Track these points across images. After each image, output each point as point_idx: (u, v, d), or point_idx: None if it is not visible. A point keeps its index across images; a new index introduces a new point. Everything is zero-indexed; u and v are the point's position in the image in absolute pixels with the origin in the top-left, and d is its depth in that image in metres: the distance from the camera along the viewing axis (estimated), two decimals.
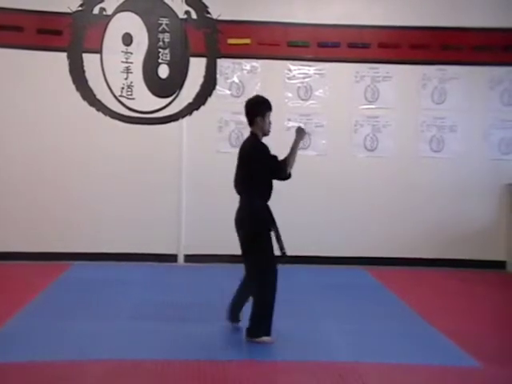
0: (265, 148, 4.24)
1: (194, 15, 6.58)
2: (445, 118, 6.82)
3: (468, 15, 6.67)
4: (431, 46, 6.69)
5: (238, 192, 4.31)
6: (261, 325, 4.12)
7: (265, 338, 4.12)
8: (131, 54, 6.56)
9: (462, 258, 6.77)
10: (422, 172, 6.83)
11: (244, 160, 4.25)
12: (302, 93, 6.75)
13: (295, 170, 7.04)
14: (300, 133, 4.34)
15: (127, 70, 6.57)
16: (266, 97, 6.58)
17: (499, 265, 6.81)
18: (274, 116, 6.64)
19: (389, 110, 6.80)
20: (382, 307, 5.22)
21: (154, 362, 3.81)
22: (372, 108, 6.79)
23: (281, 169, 4.21)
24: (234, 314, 4.43)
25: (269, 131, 4.29)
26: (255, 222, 4.15)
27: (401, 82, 6.76)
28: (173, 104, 6.64)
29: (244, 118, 6.61)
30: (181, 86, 6.63)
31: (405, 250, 6.76)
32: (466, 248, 6.78)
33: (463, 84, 6.79)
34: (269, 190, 4.27)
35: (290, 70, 6.72)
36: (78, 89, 6.50)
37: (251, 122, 4.29)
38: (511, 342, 4.45)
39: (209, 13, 6.58)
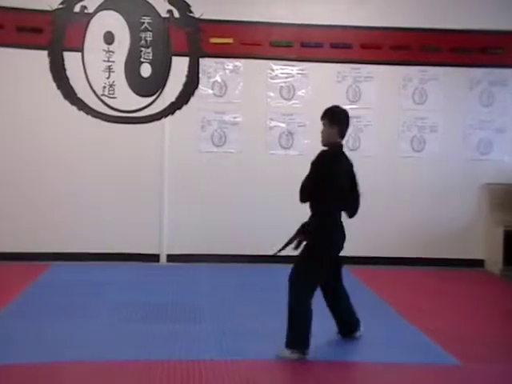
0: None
1: (176, 14, 6.55)
2: (425, 119, 6.89)
3: (447, 17, 6.73)
4: (412, 47, 6.76)
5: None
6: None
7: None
8: (113, 52, 6.51)
9: (441, 257, 6.85)
10: (403, 172, 6.89)
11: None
12: (285, 92, 6.76)
13: (277, 169, 7.05)
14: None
15: (109, 69, 6.52)
16: (249, 96, 6.66)
17: (478, 263, 6.90)
18: (256, 115, 6.75)
19: (370, 110, 6.85)
20: (363, 306, 5.21)
21: (137, 362, 3.80)
22: (354, 108, 6.80)
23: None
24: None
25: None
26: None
27: (382, 82, 6.81)
28: (155, 103, 6.61)
29: (226, 117, 6.73)
30: (163, 86, 6.61)
31: (385, 249, 6.82)
32: (445, 247, 6.87)
33: (443, 85, 6.87)
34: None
35: (272, 70, 6.74)
36: (58, 87, 6.44)
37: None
38: (490, 340, 4.51)
39: (191, 12, 6.56)
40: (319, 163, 4.06)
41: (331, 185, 4.04)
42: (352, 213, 4.28)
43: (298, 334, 3.91)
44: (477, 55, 6.80)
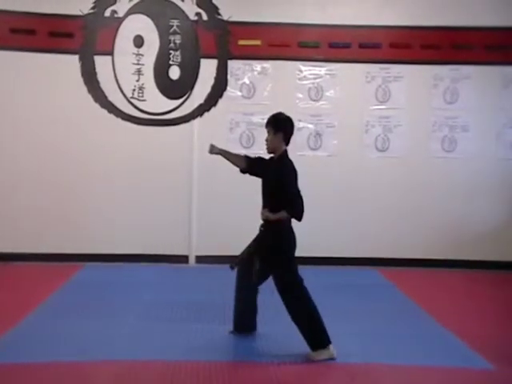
0: None
1: (204, 17, 6.60)
2: (457, 118, 6.78)
3: (479, 14, 6.62)
4: (442, 45, 6.66)
5: None
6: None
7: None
8: (142, 55, 6.59)
9: (474, 259, 6.72)
10: (434, 172, 6.79)
11: None
12: (313, 93, 6.74)
13: (306, 169, 7.01)
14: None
15: (138, 72, 6.60)
16: (277, 97, 6.65)
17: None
18: None
19: (400, 110, 6.77)
20: (394, 308, 5.20)
21: (166, 362, 3.83)
22: (383, 108, 6.77)
23: None
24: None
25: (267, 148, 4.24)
26: None
27: (412, 82, 6.73)
28: (184, 105, 6.67)
29: (255, 119, 6.75)
30: (192, 88, 6.66)
31: (416, 250, 6.73)
32: (478, 249, 6.73)
33: (475, 83, 6.75)
34: None
35: (300, 71, 6.72)
36: (89, 91, 6.54)
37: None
38: None
39: (219, 14, 6.60)
40: (290, 169, 4.12)
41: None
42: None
43: (320, 329, 3.98)
44: (510, 52, 6.66)
